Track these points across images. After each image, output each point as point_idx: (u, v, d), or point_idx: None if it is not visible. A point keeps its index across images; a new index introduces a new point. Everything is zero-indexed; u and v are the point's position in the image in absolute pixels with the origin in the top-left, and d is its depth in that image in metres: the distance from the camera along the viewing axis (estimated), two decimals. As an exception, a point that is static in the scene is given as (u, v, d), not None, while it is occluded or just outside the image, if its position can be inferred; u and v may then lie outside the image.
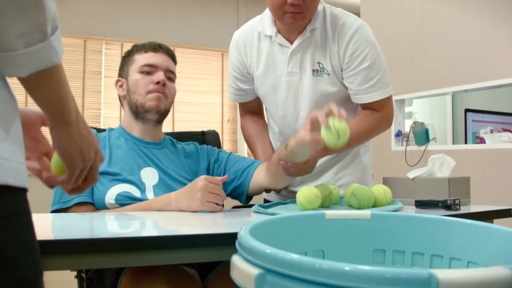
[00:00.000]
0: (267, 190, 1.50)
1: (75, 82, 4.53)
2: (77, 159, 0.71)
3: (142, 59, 1.39)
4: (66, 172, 0.73)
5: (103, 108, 4.62)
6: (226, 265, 1.21)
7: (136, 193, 1.27)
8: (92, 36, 4.62)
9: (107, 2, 4.72)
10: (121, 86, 1.44)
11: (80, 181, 0.76)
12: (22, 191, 0.58)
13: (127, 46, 4.81)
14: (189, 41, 5.00)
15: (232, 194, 1.44)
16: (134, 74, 1.39)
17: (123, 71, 1.44)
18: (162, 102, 1.37)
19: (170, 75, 1.42)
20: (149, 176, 1.32)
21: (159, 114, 1.38)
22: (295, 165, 1.24)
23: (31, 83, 0.61)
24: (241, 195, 1.43)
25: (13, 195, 0.57)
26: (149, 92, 1.36)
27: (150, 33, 4.87)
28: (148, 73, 1.38)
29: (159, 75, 1.37)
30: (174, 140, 1.51)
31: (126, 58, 1.44)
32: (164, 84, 1.37)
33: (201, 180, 1.17)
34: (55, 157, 0.76)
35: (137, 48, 1.42)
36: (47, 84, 0.62)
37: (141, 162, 1.34)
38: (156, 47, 1.41)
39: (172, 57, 1.44)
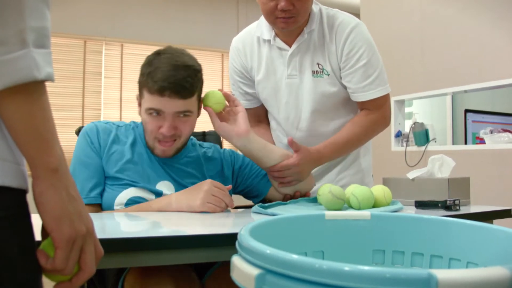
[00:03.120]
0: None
1: (75, 83, 4.53)
2: (64, 226, 0.58)
3: (148, 100, 1.22)
4: (55, 249, 0.59)
5: (103, 108, 4.62)
6: (221, 265, 1.21)
7: (150, 198, 1.25)
8: (92, 36, 4.62)
9: (107, 2, 4.72)
10: (139, 105, 1.29)
11: (70, 268, 0.60)
12: (21, 192, 0.58)
13: (127, 47, 4.81)
14: (189, 42, 4.99)
15: (250, 194, 1.45)
16: (143, 113, 1.25)
17: (140, 90, 1.26)
18: (171, 151, 1.28)
19: (184, 113, 1.23)
20: (164, 189, 1.28)
21: (170, 157, 1.31)
22: (278, 169, 1.31)
23: (7, 103, 0.54)
24: (257, 197, 1.45)
25: (11, 196, 0.57)
26: (156, 139, 1.25)
27: (150, 33, 4.87)
28: (156, 114, 1.22)
29: (165, 126, 1.22)
30: (198, 142, 1.43)
31: (141, 79, 1.24)
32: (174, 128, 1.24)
33: (206, 184, 1.18)
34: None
35: (150, 78, 1.20)
36: (26, 108, 0.54)
37: (156, 176, 1.29)
38: (162, 90, 1.18)
39: (183, 95, 1.20)
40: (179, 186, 1.31)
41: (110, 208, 1.24)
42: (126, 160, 1.28)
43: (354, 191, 1.18)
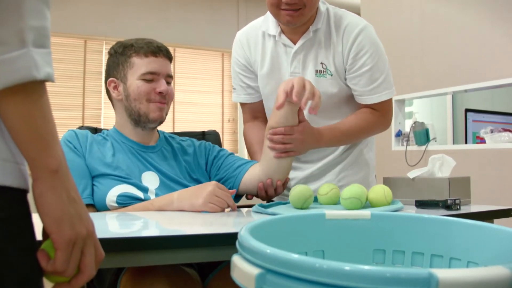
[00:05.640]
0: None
1: (75, 82, 4.53)
2: (65, 228, 0.57)
3: (142, 65, 1.32)
4: (55, 251, 0.58)
5: (103, 108, 4.62)
6: (226, 265, 1.21)
7: (139, 194, 1.27)
8: (92, 36, 4.62)
9: (107, 2, 4.72)
10: (115, 87, 1.36)
11: (71, 270, 0.59)
12: (21, 192, 0.58)
13: (127, 46, 4.81)
14: (189, 41, 4.99)
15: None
16: (134, 81, 1.32)
17: (117, 72, 1.35)
18: (164, 112, 1.36)
19: (169, 80, 1.38)
20: (150, 180, 1.32)
21: (161, 123, 1.38)
22: (282, 132, 1.28)
23: (6, 103, 0.53)
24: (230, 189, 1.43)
25: (12, 196, 0.57)
26: (151, 101, 1.32)
27: (150, 33, 4.85)
28: (150, 80, 1.32)
29: (162, 85, 1.32)
30: (169, 135, 1.49)
31: (121, 57, 1.35)
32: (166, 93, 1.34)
33: (211, 185, 1.19)
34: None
35: (135, 50, 1.33)
36: (25, 108, 0.54)
37: (141, 167, 1.33)
38: (156, 51, 1.33)
39: (170, 59, 1.39)
40: (163, 175, 1.33)
41: (103, 206, 1.25)
42: (109, 156, 1.31)
43: (344, 194, 1.16)
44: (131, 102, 1.33)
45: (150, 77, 1.32)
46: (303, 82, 1.21)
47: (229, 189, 1.41)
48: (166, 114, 1.39)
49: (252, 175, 1.39)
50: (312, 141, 1.37)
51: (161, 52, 1.35)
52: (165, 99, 1.35)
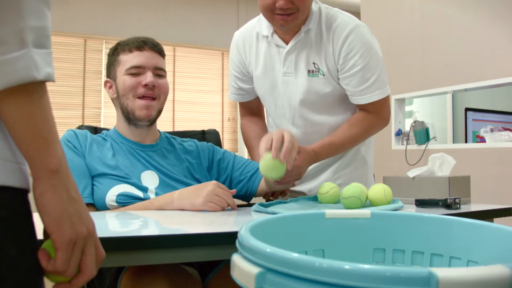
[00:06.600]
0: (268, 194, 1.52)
1: (75, 82, 4.53)
2: (65, 227, 0.57)
3: (127, 60, 1.32)
4: (55, 251, 0.58)
5: (103, 107, 4.62)
6: (226, 264, 1.21)
7: (138, 193, 1.27)
8: (92, 35, 4.62)
9: (107, 1, 4.72)
10: (110, 87, 1.38)
11: (72, 270, 0.59)
12: (23, 191, 0.58)
13: (127, 46, 4.81)
14: (189, 41, 4.99)
15: (239, 196, 1.47)
16: (121, 77, 1.32)
17: (110, 72, 1.38)
18: (153, 109, 1.33)
19: (160, 73, 1.35)
20: (150, 179, 1.31)
21: (150, 121, 1.36)
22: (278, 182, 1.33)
23: (7, 104, 0.53)
24: (248, 198, 1.47)
25: (13, 195, 0.57)
26: (137, 96, 1.31)
27: (150, 32, 4.85)
28: (136, 74, 1.31)
29: (147, 77, 1.31)
30: (171, 136, 1.48)
31: (111, 58, 1.37)
32: (153, 86, 1.32)
33: (211, 184, 1.19)
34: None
35: (121, 47, 1.34)
36: (25, 108, 0.54)
37: (140, 166, 1.33)
38: (141, 45, 1.33)
39: (160, 52, 1.37)
40: (163, 174, 1.33)
41: (102, 205, 1.25)
42: (109, 156, 1.31)
43: (344, 193, 1.17)
44: (121, 99, 1.34)
45: (135, 71, 1.31)
46: (281, 136, 1.20)
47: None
48: (159, 112, 1.37)
49: (261, 186, 1.44)
50: (309, 165, 1.43)
51: (146, 45, 1.34)
52: (153, 91, 1.32)
